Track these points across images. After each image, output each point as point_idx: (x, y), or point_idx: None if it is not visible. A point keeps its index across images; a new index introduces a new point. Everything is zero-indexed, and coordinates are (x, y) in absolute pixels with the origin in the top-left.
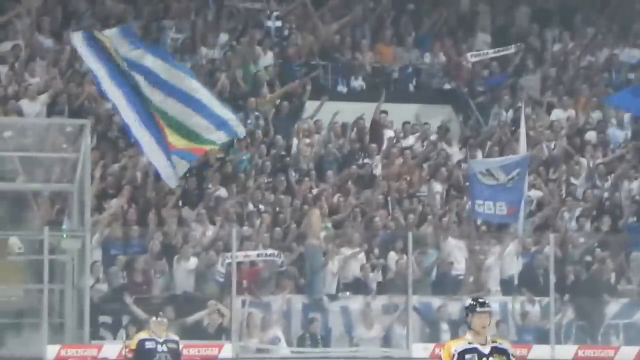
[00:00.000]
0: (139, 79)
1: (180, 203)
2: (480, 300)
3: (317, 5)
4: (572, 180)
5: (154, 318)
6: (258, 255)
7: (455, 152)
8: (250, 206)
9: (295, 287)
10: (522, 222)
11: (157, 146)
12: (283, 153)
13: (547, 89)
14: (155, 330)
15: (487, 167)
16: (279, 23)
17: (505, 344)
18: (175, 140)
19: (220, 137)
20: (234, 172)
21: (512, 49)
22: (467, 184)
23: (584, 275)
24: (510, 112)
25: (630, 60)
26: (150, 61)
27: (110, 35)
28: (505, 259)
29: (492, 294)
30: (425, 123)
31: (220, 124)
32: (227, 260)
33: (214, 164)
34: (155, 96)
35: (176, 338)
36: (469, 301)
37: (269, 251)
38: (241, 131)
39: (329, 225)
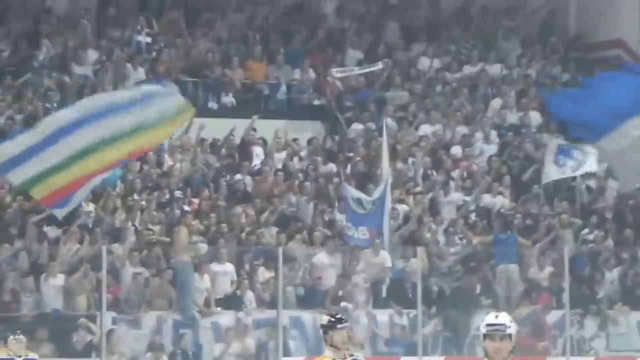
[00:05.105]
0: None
1: (48, 221)
2: (337, 316)
3: (187, 22)
4: (438, 193)
5: (11, 336)
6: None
7: (325, 167)
8: (123, 224)
9: (166, 303)
10: (387, 237)
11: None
12: (155, 170)
13: (414, 103)
14: (14, 348)
15: (359, 197)
16: (149, 39)
17: (360, 356)
18: (117, 152)
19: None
20: (103, 190)
21: (379, 65)
22: (341, 202)
23: (450, 287)
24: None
25: (495, 75)
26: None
27: None
28: (373, 273)
29: (360, 307)
30: (295, 139)
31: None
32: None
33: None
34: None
35: (35, 356)
36: (327, 318)
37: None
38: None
39: (201, 242)
